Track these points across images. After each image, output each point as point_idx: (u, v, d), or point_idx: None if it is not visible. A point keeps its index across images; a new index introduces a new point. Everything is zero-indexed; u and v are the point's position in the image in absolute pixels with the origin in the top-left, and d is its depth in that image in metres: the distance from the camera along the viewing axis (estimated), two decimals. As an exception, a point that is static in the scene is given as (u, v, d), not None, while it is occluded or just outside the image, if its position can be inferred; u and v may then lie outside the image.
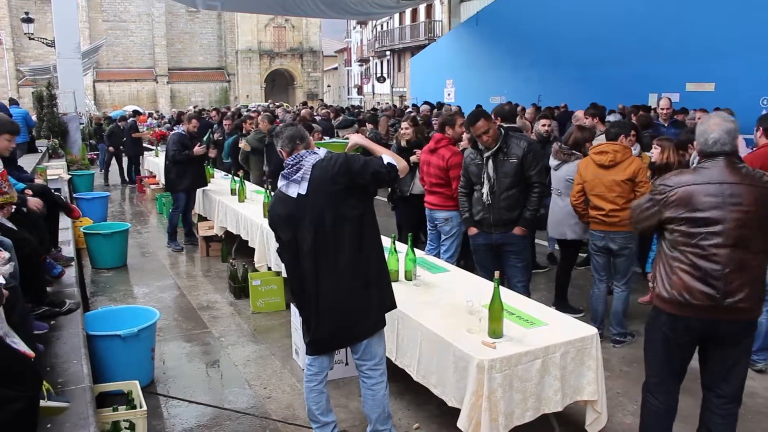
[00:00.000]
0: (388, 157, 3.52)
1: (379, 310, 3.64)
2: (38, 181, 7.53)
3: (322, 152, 3.58)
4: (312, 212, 3.48)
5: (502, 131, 5.27)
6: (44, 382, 3.05)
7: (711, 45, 15.00)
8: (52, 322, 4.44)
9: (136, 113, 20.58)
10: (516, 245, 5.34)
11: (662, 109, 9.62)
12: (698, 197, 3.11)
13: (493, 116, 5.65)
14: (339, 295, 3.53)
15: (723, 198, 3.07)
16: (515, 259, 5.39)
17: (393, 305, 3.74)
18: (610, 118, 9.29)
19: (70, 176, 11.89)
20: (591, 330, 3.81)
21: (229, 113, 15.44)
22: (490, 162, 5.17)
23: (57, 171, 11.13)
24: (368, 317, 3.60)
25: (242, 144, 10.12)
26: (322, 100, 33.86)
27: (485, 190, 5.20)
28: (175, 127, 10.28)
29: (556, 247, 7.35)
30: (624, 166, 5.36)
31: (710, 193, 3.09)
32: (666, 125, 9.38)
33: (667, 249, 3.28)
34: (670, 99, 9.89)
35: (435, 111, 14.90)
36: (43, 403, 2.95)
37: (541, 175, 5.26)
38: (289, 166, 3.55)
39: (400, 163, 3.56)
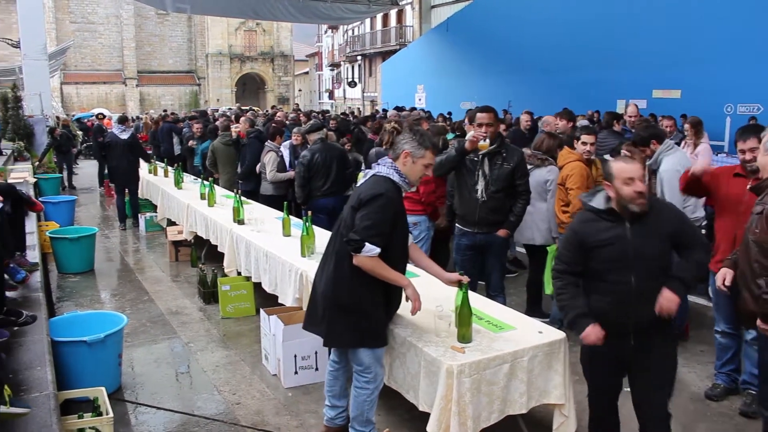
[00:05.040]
0: (374, 262, 3.57)
1: (347, 334, 3.71)
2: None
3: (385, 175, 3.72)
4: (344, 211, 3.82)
5: (502, 136, 5.41)
6: (6, 387, 2.99)
7: (677, 53, 15.31)
8: (15, 329, 4.36)
9: (101, 116, 20.37)
10: (497, 245, 5.45)
11: (630, 116, 9.76)
12: None
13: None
14: (320, 296, 3.81)
15: None
16: (494, 258, 5.50)
17: (369, 341, 3.73)
18: (579, 123, 9.41)
19: (35, 179, 11.71)
20: (559, 334, 3.84)
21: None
22: (486, 161, 5.22)
23: (22, 174, 10.97)
24: (332, 333, 3.75)
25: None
26: (297, 104, 33.76)
27: (480, 187, 5.26)
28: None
29: (522, 250, 7.39)
30: (564, 170, 5.73)
31: None
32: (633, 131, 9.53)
33: None
34: (637, 106, 10.04)
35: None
36: (3, 409, 2.90)
37: (527, 185, 5.39)
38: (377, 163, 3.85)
39: (371, 266, 3.58)
